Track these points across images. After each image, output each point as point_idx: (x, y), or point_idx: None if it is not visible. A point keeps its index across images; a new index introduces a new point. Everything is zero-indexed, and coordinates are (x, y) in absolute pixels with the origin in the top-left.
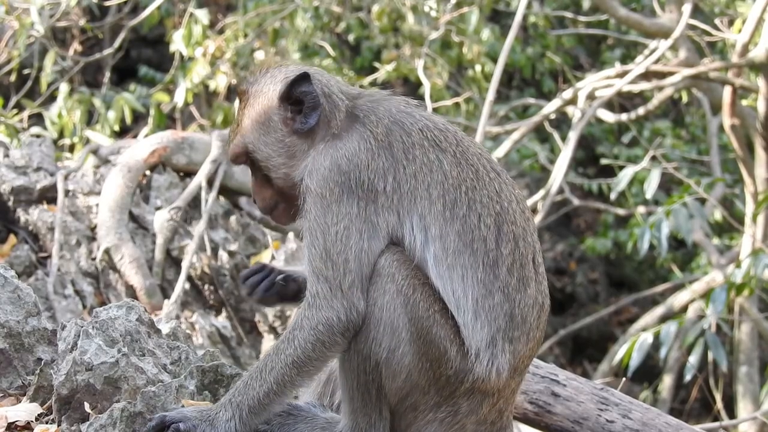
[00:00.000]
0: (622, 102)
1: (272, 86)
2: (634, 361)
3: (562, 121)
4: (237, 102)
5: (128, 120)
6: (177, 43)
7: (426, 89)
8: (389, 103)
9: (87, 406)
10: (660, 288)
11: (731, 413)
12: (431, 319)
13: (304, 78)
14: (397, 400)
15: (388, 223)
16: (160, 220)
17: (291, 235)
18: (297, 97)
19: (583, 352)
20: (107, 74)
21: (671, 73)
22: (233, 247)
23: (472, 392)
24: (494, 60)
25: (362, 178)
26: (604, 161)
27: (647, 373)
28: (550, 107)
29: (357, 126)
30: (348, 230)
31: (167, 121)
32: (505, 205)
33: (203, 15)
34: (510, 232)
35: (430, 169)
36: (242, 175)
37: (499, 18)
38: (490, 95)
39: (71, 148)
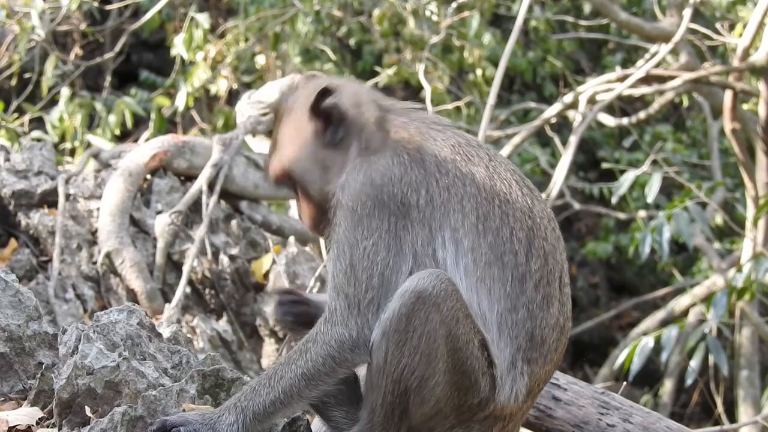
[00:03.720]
0: (623, 106)
1: (302, 101)
2: (635, 366)
3: (563, 125)
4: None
5: (129, 124)
6: (178, 48)
7: (427, 93)
8: (421, 119)
9: (88, 410)
10: (661, 292)
11: (732, 417)
12: (468, 351)
13: (325, 92)
14: (419, 423)
15: (418, 238)
16: (161, 224)
17: (292, 239)
18: (323, 110)
19: (584, 356)
20: (108, 78)
21: (672, 77)
22: (234, 251)
23: (487, 417)
24: (495, 64)
25: (395, 192)
26: (605, 165)
27: (648, 377)
28: (550, 111)
29: (390, 142)
30: (376, 246)
31: (168, 125)
32: (537, 220)
33: (204, 19)
34: (541, 247)
35: (463, 182)
36: (243, 179)
37: (500, 22)
38: (491, 99)
39: (72, 152)
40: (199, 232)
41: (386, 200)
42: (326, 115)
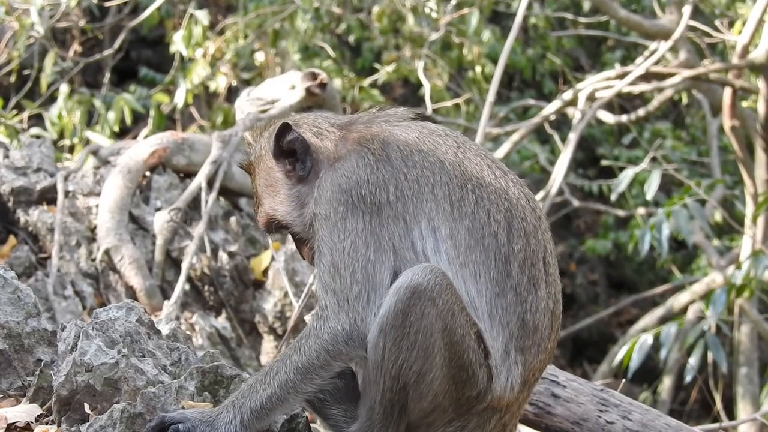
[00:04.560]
0: (622, 103)
1: (265, 149)
2: (634, 363)
3: (562, 123)
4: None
5: (128, 121)
6: (177, 44)
7: (426, 90)
8: (381, 120)
9: (87, 407)
10: (660, 289)
11: (731, 414)
12: (465, 344)
13: (284, 129)
14: (417, 418)
15: (394, 233)
16: (160, 221)
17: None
18: (288, 148)
19: (583, 353)
20: (107, 75)
21: (671, 75)
22: (233, 248)
23: (485, 410)
24: (494, 61)
25: (363, 193)
26: (604, 162)
27: (647, 374)
28: (550, 108)
29: (354, 147)
30: (355, 244)
31: (167, 122)
32: (514, 201)
33: (203, 16)
34: (521, 228)
35: (432, 171)
36: (242, 176)
37: (499, 19)
38: (491, 96)
39: (71, 149)
40: (198, 229)
41: (356, 202)
42: (290, 152)
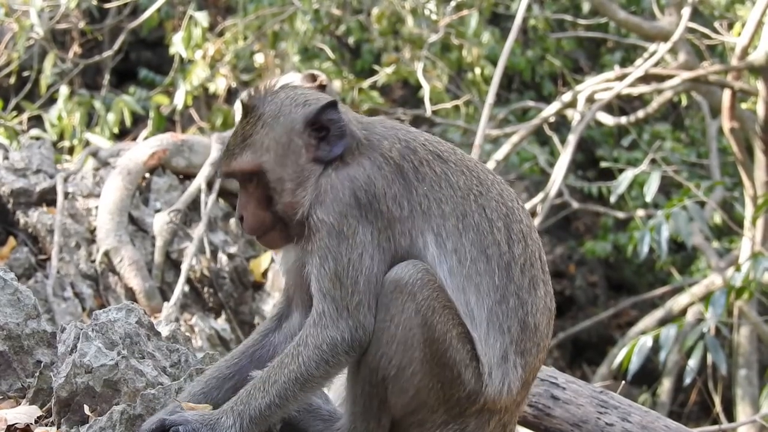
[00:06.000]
0: (621, 105)
1: (296, 108)
2: (634, 365)
3: (561, 124)
4: (241, 115)
5: (128, 122)
6: (177, 46)
7: (425, 92)
8: (396, 128)
9: (86, 409)
10: (659, 291)
11: (730, 416)
12: (446, 343)
13: (332, 105)
14: (402, 414)
15: (399, 248)
16: (160, 223)
17: None
18: (323, 124)
19: (582, 355)
20: (107, 76)
21: (671, 76)
22: (233, 249)
23: (482, 411)
24: (494, 63)
25: (381, 209)
26: (603, 164)
27: (646, 376)
28: (549, 110)
29: (368, 152)
30: (361, 257)
31: (167, 123)
32: (510, 204)
33: (203, 17)
34: (519, 231)
35: (439, 184)
36: None
37: (498, 21)
38: (490, 98)
39: (71, 151)
40: (198, 230)
41: (371, 218)
42: (321, 129)
